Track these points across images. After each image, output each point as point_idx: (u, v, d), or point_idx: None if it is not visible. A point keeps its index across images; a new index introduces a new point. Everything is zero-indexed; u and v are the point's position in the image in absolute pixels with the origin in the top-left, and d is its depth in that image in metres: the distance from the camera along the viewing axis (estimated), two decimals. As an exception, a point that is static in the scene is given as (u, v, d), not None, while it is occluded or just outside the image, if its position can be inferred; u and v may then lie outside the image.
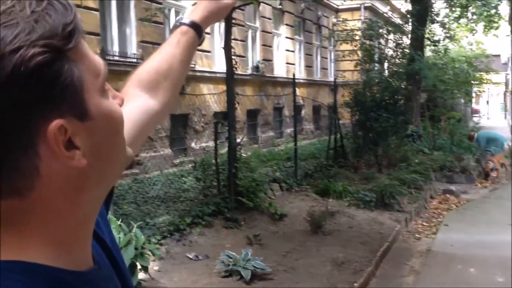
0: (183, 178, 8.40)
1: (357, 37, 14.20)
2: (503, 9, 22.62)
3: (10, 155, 0.55)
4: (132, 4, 9.34)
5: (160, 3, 9.85)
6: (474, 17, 20.90)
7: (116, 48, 9.00)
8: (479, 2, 19.28)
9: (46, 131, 0.55)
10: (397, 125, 11.09)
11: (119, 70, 8.63)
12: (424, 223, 7.89)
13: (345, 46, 15.41)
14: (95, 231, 0.72)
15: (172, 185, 7.60)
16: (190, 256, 5.37)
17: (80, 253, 0.66)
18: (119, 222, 4.23)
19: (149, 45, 9.62)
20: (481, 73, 20.04)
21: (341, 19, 17.86)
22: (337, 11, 20.09)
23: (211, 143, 10.00)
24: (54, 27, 0.55)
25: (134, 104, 1.01)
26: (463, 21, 21.81)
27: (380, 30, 13.55)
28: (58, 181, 0.60)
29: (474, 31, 22.41)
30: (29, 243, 0.60)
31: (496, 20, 21.12)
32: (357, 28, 15.39)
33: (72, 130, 0.58)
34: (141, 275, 4.35)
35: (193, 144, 10.76)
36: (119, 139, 0.65)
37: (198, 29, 1.09)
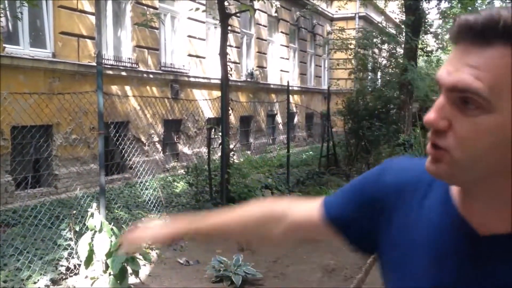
0: (175, 183, 8.41)
1: (351, 46, 14.30)
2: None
3: None
4: (128, 8, 9.38)
5: (156, 8, 9.90)
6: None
7: (111, 52, 9.03)
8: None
9: None
10: (389, 134, 11.15)
11: (114, 74, 8.66)
12: (414, 232, 7.94)
13: (339, 55, 15.53)
14: None
15: (164, 189, 7.61)
16: (181, 261, 5.38)
17: (479, 216, 0.79)
18: (111, 226, 4.24)
19: (144, 50, 9.66)
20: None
21: (335, 28, 17.99)
22: (331, 19, 20.24)
23: (203, 149, 10.03)
24: None
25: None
26: (456, 32, 21.97)
27: (374, 40, 13.66)
28: None
29: (466, 43, 22.63)
30: None
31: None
32: (352, 37, 15.50)
33: None
34: (131, 280, 4.36)
35: (185, 149, 10.78)
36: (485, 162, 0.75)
37: None
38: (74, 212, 5.13)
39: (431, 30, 17.89)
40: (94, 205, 4.29)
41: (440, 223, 0.83)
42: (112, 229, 4.24)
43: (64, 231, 5.00)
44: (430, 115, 0.75)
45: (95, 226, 4.14)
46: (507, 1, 16.96)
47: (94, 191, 6.97)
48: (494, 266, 0.77)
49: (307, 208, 1.06)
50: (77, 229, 4.88)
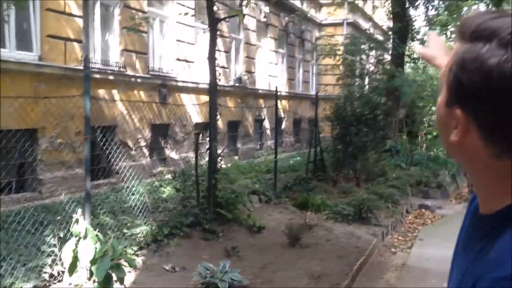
0: (162, 188, 8.37)
1: (339, 52, 14.39)
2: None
3: None
4: (116, 12, 9.33)
5: (145, 12, 9.86)
6: (454, 35, 21.33)
7: (98, 56, 8.97)
8: (458, 22, 19.72)
9: None
10: (376, 140, 11.22)
11: (101, 78, 8.60)
12: (400, 237, 7.98)
13: (327, 61, 15.62)
14: None
15: (150, 195, 7.56)
16: (167, 268, 5.34)
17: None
18: (96, 232, 4.20)
19: (132, 54, 9.61)
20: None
21: (324, 34, 18.09)
22: (320, 25, 20.33)
23: (191, 154, 9.99)
24: None
25: None
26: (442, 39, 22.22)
27: (362, 46, 13.76)
28: None
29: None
30: None
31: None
32: (340, 43, 15.60)
33: None
34: (116, 287, 4.32)
35: (173, 154, 10.73)
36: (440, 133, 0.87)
37: None
38: (59, 218, 5.08)
39: (418, 37, 18.07)
40: (79, 211, 4.24)
41: (474, 209, 0.92)
42: (97, 235, 4.20)
43: (48, 237, 4.94)
44: None
45: (79, 232, 4.10)
46: (493, 8, 17.20)
47: (79, 196, 6.89)
48: (475, 243, 0.83)
49: None
50: (61, 235, 4.83)
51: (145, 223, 6.14)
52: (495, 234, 0.77)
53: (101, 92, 8.60)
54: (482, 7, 19.66)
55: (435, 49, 1.44)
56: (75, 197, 6.72)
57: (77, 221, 4.14)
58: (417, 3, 16.67)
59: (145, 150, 9.87)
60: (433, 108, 18.13)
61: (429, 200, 10.63)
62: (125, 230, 5.78)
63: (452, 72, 0.78)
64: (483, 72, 0.73)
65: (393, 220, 8.48)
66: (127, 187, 7.05)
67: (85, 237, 4.10)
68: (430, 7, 17.62)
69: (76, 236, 4.11)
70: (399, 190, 9.99)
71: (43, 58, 7.64)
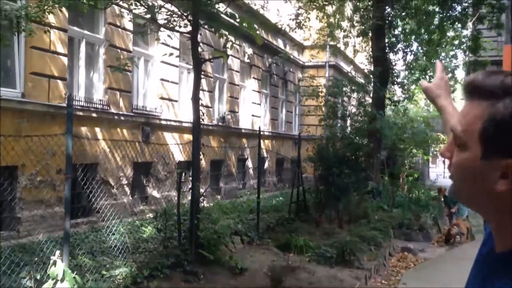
0: (143, 228, 8.22)
1: (321, 94, 14.62)
2: (459, 73, 23.95)
3: None
4: (101, 51, 9.39)
5: (130, 52, 9.95)
6: (432, 80, 21.93)
7: (82, 94, 8.96)
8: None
9: None
10: (359, 181, 11.27)
11: (84, 116, 8.57)
12: (383, 281, 7.90)
13: (310, 102, 15.84)
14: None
15: (131, 235, 7.41)
16: (146, 311, 5.19)
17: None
18: (73, 275, 4.08)
19: (116, 92, 9.63)
20: (438, 133, 20.81)
21: (306, 75, 18.41)
22: (303, 67, 20.74)
23: (173, 192, 9.89)
24: None
25: None
26: (421, 83, 22.78)
27: (344, 88, 14.01)
28: None
29: (431, 93, 23.49)
30: None
31: (452, 83, 22.24)
32: (322, 84, 15.88)
33: None
34: (93, 332, 4.17)
35: (155, 193, 10.61)
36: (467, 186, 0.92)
37: None
38: (36, 259, 4.93)
39: (398, 80, 18.53)
40: (57, 252, 4.13)
41: (487, 249, 1.00)
42: (74, 277, 4.08)
43: (24, 279, 4.77)
44: (442, 148, 1.00)
45: (57, 274, 3.98)
46: (469, 55, 17.85)
47: (57, 235, 6.73)
48: (491, 280, 0.91)
49: None
50: (38, 277, 4.67)
51: (124, 264, 5.99)
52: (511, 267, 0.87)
53: (84, 129, 8.55)
54: (459, 53, 20.37)
55: (440, 87, 1.56)
56: (54, 237, 6.56)
57: (54, 263, 4.03)
58: (396, 48, 17.17)
59: (127, 189, 9.75)
60: (414, 150, 18.55)
61: (411, 243, 10.60)
62: (104, 272, 5.62)
63: (487, 128, 0.86)
64: None
65: (376, 263, 8.42)
66: (107, 227, 6.91)
67: (62, 280, 3.98)
68: (409, 53, 18.18)
69: (53, 279, 3.98)
70: (381, 232, 9.96)
71: (26, 95, 7.61)
